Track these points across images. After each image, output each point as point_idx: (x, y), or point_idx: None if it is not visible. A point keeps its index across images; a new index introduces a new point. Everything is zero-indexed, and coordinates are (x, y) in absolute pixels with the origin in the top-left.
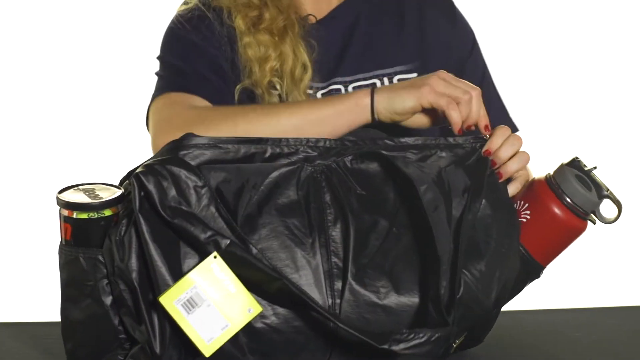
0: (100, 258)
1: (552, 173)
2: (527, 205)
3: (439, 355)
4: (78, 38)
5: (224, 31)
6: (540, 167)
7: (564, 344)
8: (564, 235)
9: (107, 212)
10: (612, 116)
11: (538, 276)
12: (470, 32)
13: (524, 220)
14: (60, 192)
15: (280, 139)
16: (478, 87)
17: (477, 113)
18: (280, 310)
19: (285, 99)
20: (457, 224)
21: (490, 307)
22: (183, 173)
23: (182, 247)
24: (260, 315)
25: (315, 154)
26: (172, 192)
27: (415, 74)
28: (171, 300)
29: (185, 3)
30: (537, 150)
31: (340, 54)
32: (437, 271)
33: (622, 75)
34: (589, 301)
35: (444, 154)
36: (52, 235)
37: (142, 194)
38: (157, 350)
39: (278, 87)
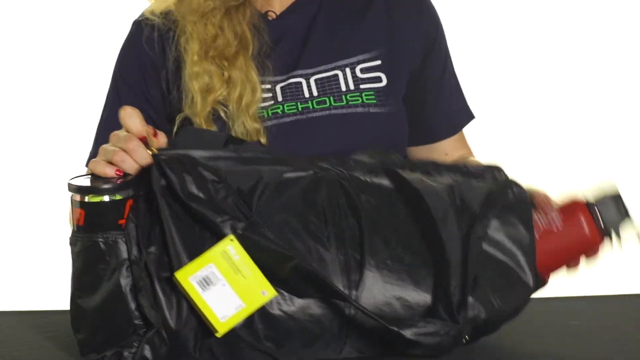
0: (120, 240)
1: (594, 200)
2: (560, 218)
3: (449, 348)
4: (80, 37)
5: (172, 51)
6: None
7: (561, 332)
8: (579, 250)
9: (119, 196)
10: (613, 117)
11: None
12: (436, 22)
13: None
14: (72, 179)
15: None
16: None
17: None
18: (297, 298)
19: (229, 126)
20: (467, 234)
21: (506, 317)
22: (201, 168)
23: (201, 233)
24: (277, 302)
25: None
26: (191, 183)
27: (379, 62)
28: (187, 276)
29: (151, 12)
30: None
31: (301, 47)
32: (446, 273)
33: (622, 76)
34: (586, 289)
35: (456, 174)
36: (44, 229)
37: (163, 182)
38: (173, 325)
39: (222, 114)
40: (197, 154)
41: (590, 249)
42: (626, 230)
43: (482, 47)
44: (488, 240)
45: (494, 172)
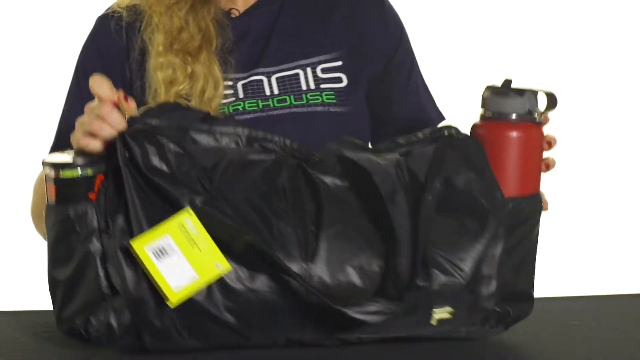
0: (90, 211)
1: (481, 111)
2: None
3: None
4: (42, 33)
5: (138, 42)
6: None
7: (561, 332)
8: (529, 150)
9: (90, 172)
10: (612, 115)
11: (541, 207)
12: (399, 24)
13: None
14: (47, 156)
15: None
16: None
17: None
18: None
19: None
20: (416, 206)
21: (463, 282)
22: (166, 140)
23: (165, 205)
24: (236, 274)
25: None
26: (155, 155)
27: (340, 62)
28: (142, 245)
29: (118, 5)
30: None
31: (263, 45)
32: (395, 251)
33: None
34: (586, 289)
35: (404, 148)
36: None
37: (127, 154)
38: (133, 292)
39: None
40: (167, 124)
41: (534, 139)
42: (529, 99)
43: (450, 49)
44: (442, 204)
45: (445, 131)
